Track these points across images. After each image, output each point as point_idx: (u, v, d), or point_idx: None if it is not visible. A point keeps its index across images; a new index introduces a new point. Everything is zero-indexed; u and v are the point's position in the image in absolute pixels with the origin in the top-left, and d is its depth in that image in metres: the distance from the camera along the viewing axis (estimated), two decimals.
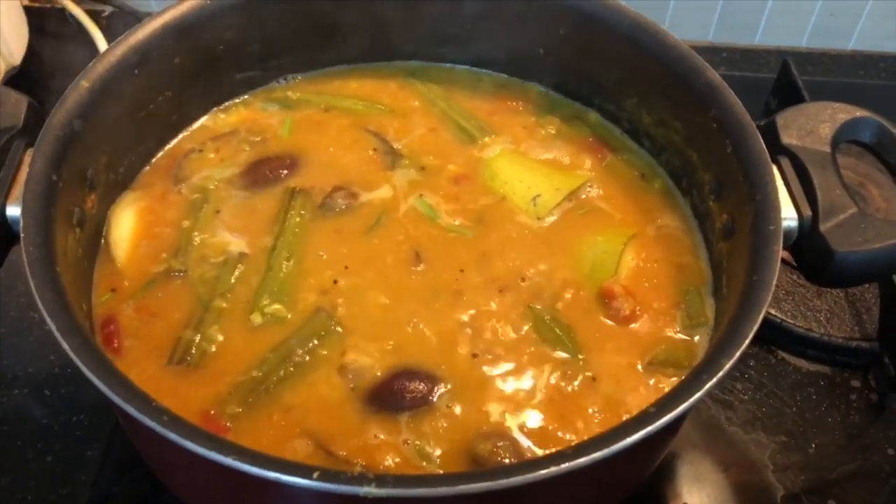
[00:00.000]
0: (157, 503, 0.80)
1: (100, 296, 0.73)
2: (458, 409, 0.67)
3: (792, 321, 0.94)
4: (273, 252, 0.75)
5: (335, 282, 0.74)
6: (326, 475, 0.51)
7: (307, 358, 0.69)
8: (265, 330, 0.71)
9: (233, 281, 0.74)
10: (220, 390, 0.67)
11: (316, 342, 0.70)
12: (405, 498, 0.52)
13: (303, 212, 0.78)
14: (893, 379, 0.88)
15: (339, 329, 0.71)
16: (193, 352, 0.70)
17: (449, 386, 0.68)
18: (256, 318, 0.71)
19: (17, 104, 0.71)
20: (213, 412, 0.66)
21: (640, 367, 0.71)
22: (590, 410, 0.68)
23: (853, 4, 1.28)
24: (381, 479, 0.51)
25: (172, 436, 0.53)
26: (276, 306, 0.72)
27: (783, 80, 1.14)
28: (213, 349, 0.70)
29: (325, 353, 0.70)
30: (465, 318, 0.72)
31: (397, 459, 0.64)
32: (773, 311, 0.95)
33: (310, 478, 0.51)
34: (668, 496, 0.83)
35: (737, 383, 0.91)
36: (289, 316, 0.72)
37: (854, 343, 0.93)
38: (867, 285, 0.97)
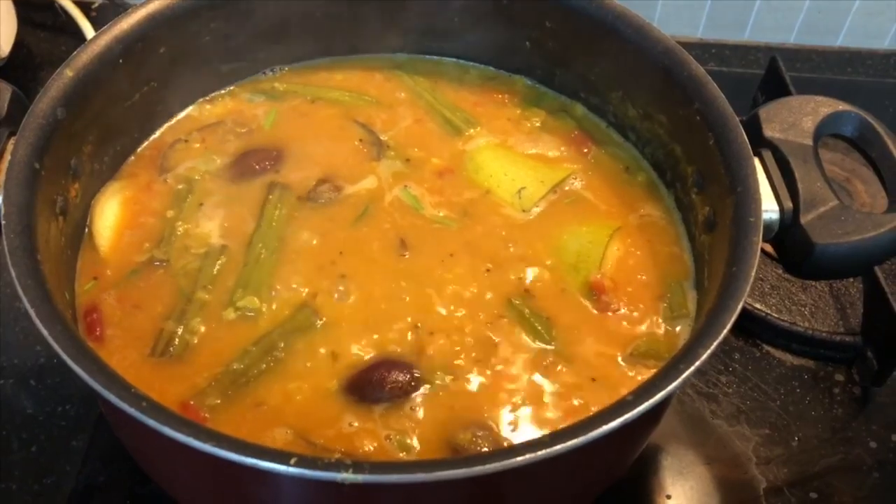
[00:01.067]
0: (142, 493, 0.80)
1: (83, 284, 0.73)
2: (437, 400, 0.67)
3: (777, 315, 0.94)
4: (249, 246, 0.75)
5: (318, 272, 0.74)
6: (304, 461, 0.51)
7: (284, 354, 0.69)
8: (245, 323, 0.71)
9: (215, 273, 0.74)
10: (199, 382, 0.67)
11: (298, 336, 0.70)
12: (382, 484, 0.52)
13: (279, 206, 0.78)
14: (876, 373, 0.89)
15: (321, 322, 0.71)
16: (176, 343, 0.69)
17: (429, 376, 0.68)
18: (229, 314, 0.71)
19: (1, 93, 0.71)
20: (192, 403, 0.66)
21: (620, 359, 0.71)
22: (570, 401, 0.68)
23: (841, 2, 1.28)
24: (359, 466, 0.51)
25: (151, 422, 0.53)
26: (250, 300, 0.71)
27: (771, 76, 1.14)
28: (196, 341, 0.70)
29: (306, 346, 0.70)
30: (447, 308, 0.72)
31: (376, 445, 0.64)
32: (758, 305, 0.95)
33: (287, 464, 0.51)
34: (652, 489, 0.83)
35: (721, 376, 0.92)
36: (264, 309, 0.71)
37: (838, 337, 0.93)
38: (851, 280, 0.98)
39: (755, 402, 0.90)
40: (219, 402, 0.66)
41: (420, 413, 0.67)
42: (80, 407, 0.86)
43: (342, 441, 0.65)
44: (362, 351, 0.70)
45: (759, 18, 1.31)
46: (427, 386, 0.68)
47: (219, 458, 0.52)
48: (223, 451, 0.52)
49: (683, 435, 0.87)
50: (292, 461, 0.51)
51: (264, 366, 0.68)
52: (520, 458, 0.52)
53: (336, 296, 0.73)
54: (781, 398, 0.91)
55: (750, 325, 0.95)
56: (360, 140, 0.85)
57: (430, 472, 0.51)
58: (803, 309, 0.96)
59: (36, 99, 0.69)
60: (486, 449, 0.64)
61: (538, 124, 0.88)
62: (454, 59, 0.94)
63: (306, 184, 0.81)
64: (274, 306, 0.72)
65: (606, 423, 0.53)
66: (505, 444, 0.65)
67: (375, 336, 0.71)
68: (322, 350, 0.70)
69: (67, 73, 0.71)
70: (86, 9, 1.25)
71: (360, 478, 0.51)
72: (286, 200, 0.79)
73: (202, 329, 0.70)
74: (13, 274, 0.59)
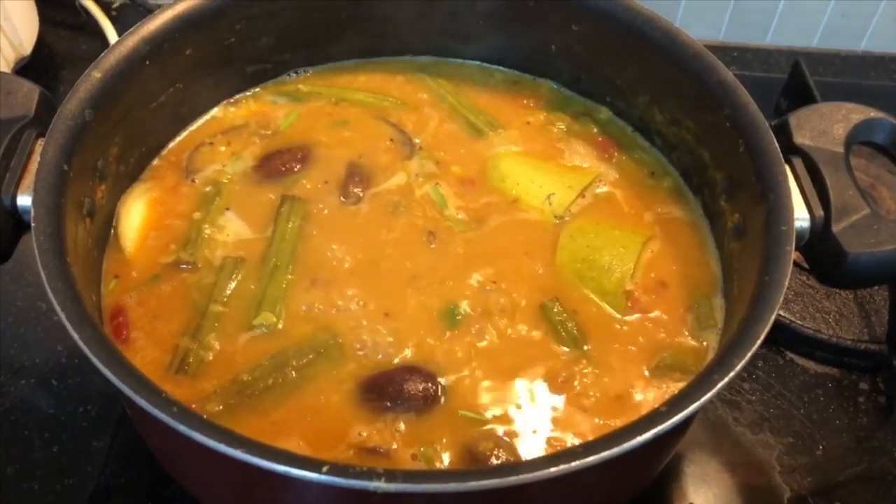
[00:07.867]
0: (163, 495, 0.80)
1: (107, 285, 0.73)
2: (459, 407, 0.67)
3: (801, 322, 0.94)
4: (264, 262, 0.74)
5: (342, 277, 0.74)
6: (335, 469, 0.51)
7: (294, 374, 0.68)
8: (261, 339, 0.70)
9: (232, 286, 0.73)
10: (205, 388, 0.67)
11: (314, 355, 0.69)
12: (414, 494, 0.51)
13: (293, 218, 0.77)
14: None
15: (338, 342, 0.70)
16: (191, 361, 0.68)
17: (450, 383, 0.68)
18: (247, 332, 0.70)
19: (29, 93, 0.70)
20: (193, 406, 0.65)
21: (646, 371, 0.70)
22: (594, 412, 0.67)
23: (865, 5, 1.27)
24: (391, 474, 0.51)
25: (182, 427, 0.53)
26: (266, 315, 0.70)
27: (794, 80, 1.13)
28: (210, 357, 0.69)
29: (321, 366, 0.69)
30: (473, 312, 0.72)
31: (395, 449, 0.64)
32: (782, 313, 0.94)
33: (319, 472, 0.51)
34: (675, 496, 0.83)
35: (745, 384, 0.91)
36: (280, 325, 0.71)
37: (863, 345, 0.92)
38: (877, 287, 0.97)
39: (779, 409, 0.89)
40: (220, 408, 0.65)
41: (440, 421, 0.66)
42: (101, 407, 0.86)
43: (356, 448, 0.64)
44: (383, 354, 0.69)
45: (781, 22, 1.30)
46: (448, 392, 0.67)
47: (249, 465, 0.52)
48: (254, 457, 0.51)
49: (706, 442, 0.87)
50: (324, 469, 0.51)
51: (271, 381, 0.67)
52: (553, 469, 0.51)
53: (354, 301, 0.72)
54: (805, 406, 0.90)
55: (774, 333, 0.92)
56: (392, 140, 0.85)
57: (463, 481, 0.51)
58: (828, 316, 0.95)
59: (64, 100, 0.68)
60: (506, 458, 0.64)
61: (563, 129, 0.87)
62: (478, 63, 0.94)
63: (333, 184, 0.80)
64: (288, 321, 0.71)
65: (641, 433, 0.53)
66: (527, 454, 0.65)
67: (394, 341, 0.70)
68: (338, 364, 0.68)
69: (95, 74, 0.71)
70: (106, 8, 1.25)
71: (393, 487, 0.50)
72: (299, 210, 0.78)
73: (217, 346, 0.69)
74: (43, 276, 0.59)
